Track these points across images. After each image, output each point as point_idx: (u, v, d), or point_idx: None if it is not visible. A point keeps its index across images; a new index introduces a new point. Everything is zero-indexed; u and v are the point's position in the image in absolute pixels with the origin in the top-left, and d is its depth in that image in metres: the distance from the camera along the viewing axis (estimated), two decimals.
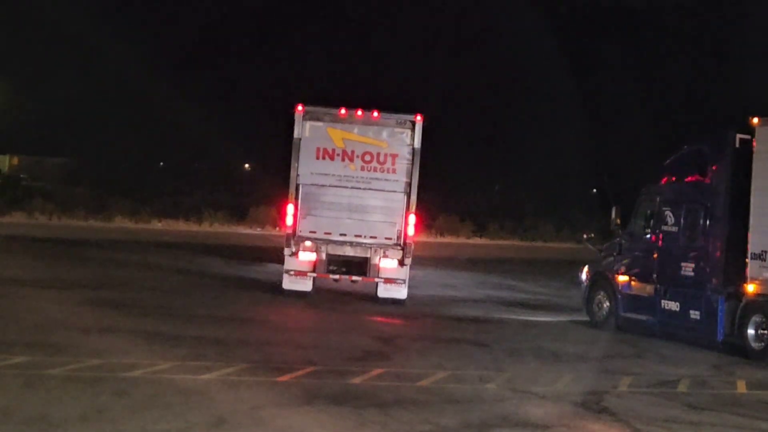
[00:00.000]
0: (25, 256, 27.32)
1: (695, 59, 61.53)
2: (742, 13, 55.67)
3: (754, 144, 16.63)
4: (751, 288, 16.47)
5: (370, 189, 21.08)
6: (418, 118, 21.00)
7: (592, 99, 54.92)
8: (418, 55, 72.59)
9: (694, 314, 17.38)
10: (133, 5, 79.73)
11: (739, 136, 17.03)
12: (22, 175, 64.74)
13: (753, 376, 14.91)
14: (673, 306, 17.88)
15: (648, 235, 18.88)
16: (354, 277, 21.15)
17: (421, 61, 72.19)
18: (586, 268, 20.44)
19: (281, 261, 21.38)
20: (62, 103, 63.47)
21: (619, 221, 19.78)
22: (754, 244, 16.47)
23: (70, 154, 68.83)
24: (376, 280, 21.07)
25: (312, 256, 20.91)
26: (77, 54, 61.90)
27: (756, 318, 16.39)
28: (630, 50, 63.88)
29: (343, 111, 21.16)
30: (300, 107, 21.15)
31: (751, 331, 16.43)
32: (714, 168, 17.47)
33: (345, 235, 21.05)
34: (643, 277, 18.75)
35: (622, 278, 19.21)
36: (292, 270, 20.93)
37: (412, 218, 20.92)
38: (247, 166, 74.31)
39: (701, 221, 17.62)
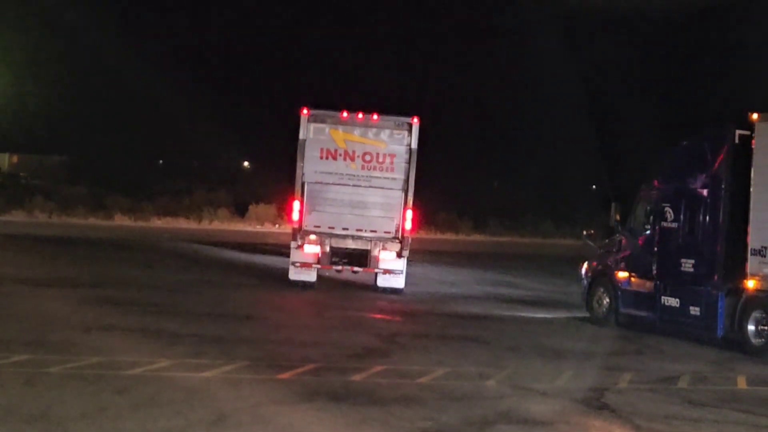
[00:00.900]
0: (25, 255, 27.31)
1: (697, 55, 61.47)
2: (741, 7, 55.61)
3: (754, 140, 16.63)
4: (751, 284, 16.47)
5: (370, 186, 22.48)
6: (415, 120, 22.46)
7: (592, 95, 54.85)
8: (417, 52, 72.55)
9: (694, 310, 17.38)
10: (134, 1, 79.64)
11: (738, 131, 17.02)
12: (21, 174, 64.77)
13: (753, 372, 14.91)
14: (673, 302, 17.88)
15: (648, 232, 18.88)
16: (355, 268, 22.60)
17: (421, 58, 72.17)
18: (586, 265, 20.45)
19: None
20: (61, 101, 63.41)
21: (618, 218, 19.78)
22: (753, 240, 16.47)
23: (69, 152, 68.84)
24: (376, 270, 22.60)
25: (316, 249, 22.26)
26: (77, 52, 61.82)
27: (756, 314, 16.39)
28: (630, 46, 63.83)
29: (345, 114, 22.56)
30: (305, 110, 22.49)
31: (751, 327, 16.43)
32: (713, 164, 17.46)
33: (347, 229, 22.46)
34: (643, 274, 18.75)
35: (622, 275, 19.21)
36: (298, 262, 22.34)
37: (409, 213, 22.37)
38: (246, 164, 74.35)
39: (700, 217, 17.61)
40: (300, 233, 22.20)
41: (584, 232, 22.34)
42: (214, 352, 13.67)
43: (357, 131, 22.56)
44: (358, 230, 22.39)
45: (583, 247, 22.76)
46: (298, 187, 22.35)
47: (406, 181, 22.37)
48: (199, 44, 71.25)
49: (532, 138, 68.15)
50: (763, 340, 16.31)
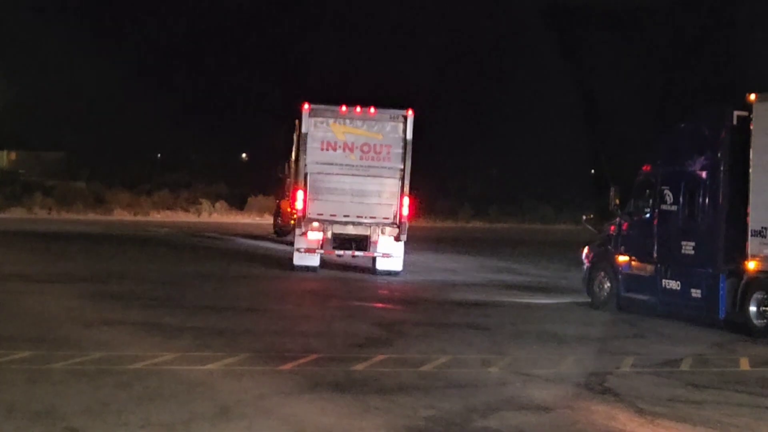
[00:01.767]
0: (26, 251, 27.31)
1: (693, 36, 61.38)
2: None
3: (752, 121, 16.60)
4: (751, 265, 16.46)
5: (368, 176, 23.60)
6: (409, 112, 23.59)
7: (589, 80, 54.80)
8: (413, 42, 72.49)
9: (695, 293, 17.37)
10: None
11: (736, 112, 16.98)
12: (20, 170, 64.74)
13: (756, 353, 14.91)
14: (674, 285, 17.87)
15: (647, 215, 18.85)
16: (356, 253, 23.90)
17: (416, 49, 72.10)
18: (586, 250, 20.43)
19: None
20: (59, 97, 63.38)
21: (618, 201, 19.74)
22: (753, 221, 16.46)
23: (67, 149, 68.81)
24: (375, 254, 23.82)
25: (319, 235, 23.55)
26: (75, 48, 61.74)
27: (758, 295, 16.38)
28: (626, 31, 63.74)
29: (344, 108, 23.77)
30: (307, 106, 23.73)
31: (753, 309, 16.41)
32: (712, 145, 17.43)
33: (348, 216, 23.62)
34: (643, 257, 18.73)
35: (623, 258, 19.19)
36: (302, 247, 23.63)
37: (406, 200, 23.56)
38: (244, 155, 74.31)
39: (700, 199, 17.58)
40: (304, 221, 23.38)
41: (584, 217, 22.39)
42: (216, 345, 13.68)
43: (355, 124, 23.69)
44: (358, 217, 23.53)
45: (583, 231, 22.75)
46: (301, 178, 23.69)
47: (403, 169, 23.46)
48: (196, 37, 71.21)
49: (530, 124, 68.12)
50: (765, 321, 16.30)
